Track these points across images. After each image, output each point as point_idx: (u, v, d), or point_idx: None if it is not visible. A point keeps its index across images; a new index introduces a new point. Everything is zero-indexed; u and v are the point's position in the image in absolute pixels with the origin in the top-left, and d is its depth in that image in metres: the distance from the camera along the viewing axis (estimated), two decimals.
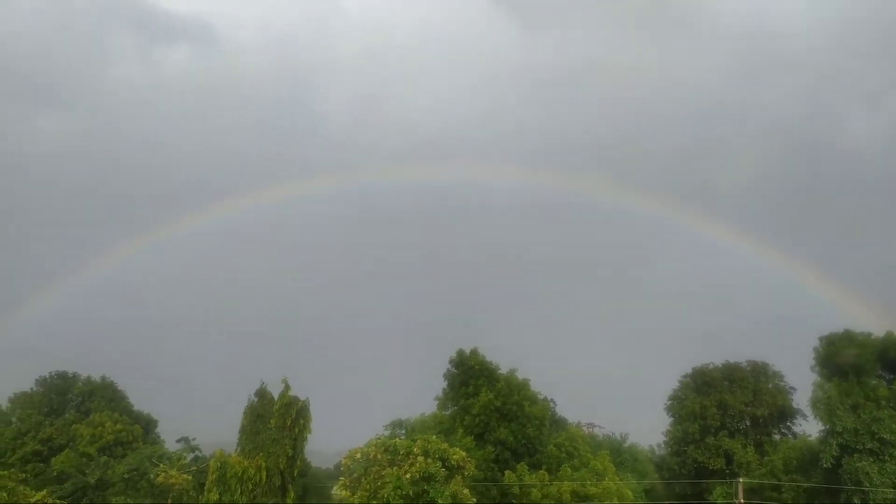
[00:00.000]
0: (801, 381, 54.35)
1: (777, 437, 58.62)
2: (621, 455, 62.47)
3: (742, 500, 38.11)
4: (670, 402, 61.39)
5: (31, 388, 65.82)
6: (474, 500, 35.97)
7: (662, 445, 66.17)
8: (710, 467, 56.30)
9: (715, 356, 62.93)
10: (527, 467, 43.46)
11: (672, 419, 61.44)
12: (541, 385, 53.13)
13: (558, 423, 55.98)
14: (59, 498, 26.24)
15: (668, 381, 63.19)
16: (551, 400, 57.22)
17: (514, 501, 42.45)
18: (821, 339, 49.68)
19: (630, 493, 44.21)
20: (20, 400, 64.87)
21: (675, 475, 58.69)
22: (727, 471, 54.89)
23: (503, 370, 50.84)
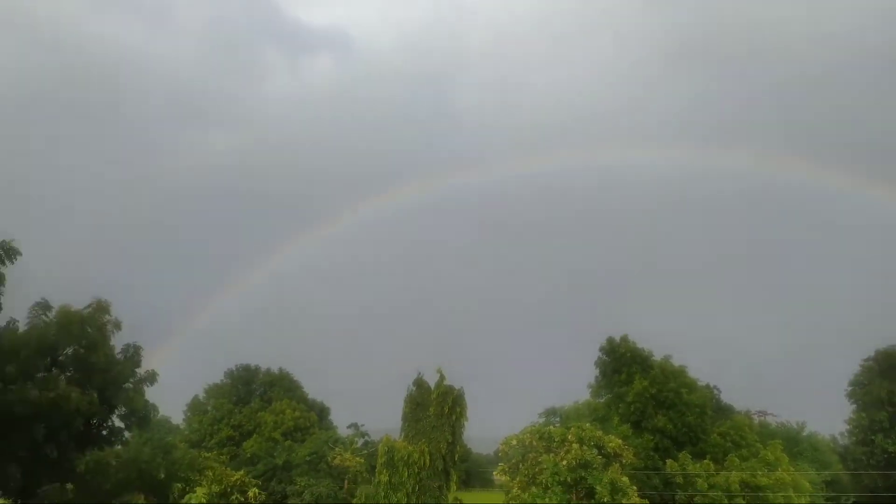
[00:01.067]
0: None
1: None
2: (799, 444, 58.06)
3: None
4: (852, 387, 56.24)
5: (221, 380, 74.10)
6: (634, 487, 35.51)
7: (846, 434, 60.78)
8: None
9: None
10: (689, 456, 41.99)
11: (855, 406, 56.27)
12: (703, 372, 51.04)
13: (724, 411, 53.33)
14: (254, 477, 29.64)
15: (847, 364, 57.98)
16: (714, 387, 54.71)
17: (678, 491, 41.26)
18: None
19: (808, 484, 41.27)
20: (213, 391, 73.28)
21: (862, 466, 53.77)
22: None
23: (657, 357, 49.38)
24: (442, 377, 36.61)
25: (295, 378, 72.42)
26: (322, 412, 70.46)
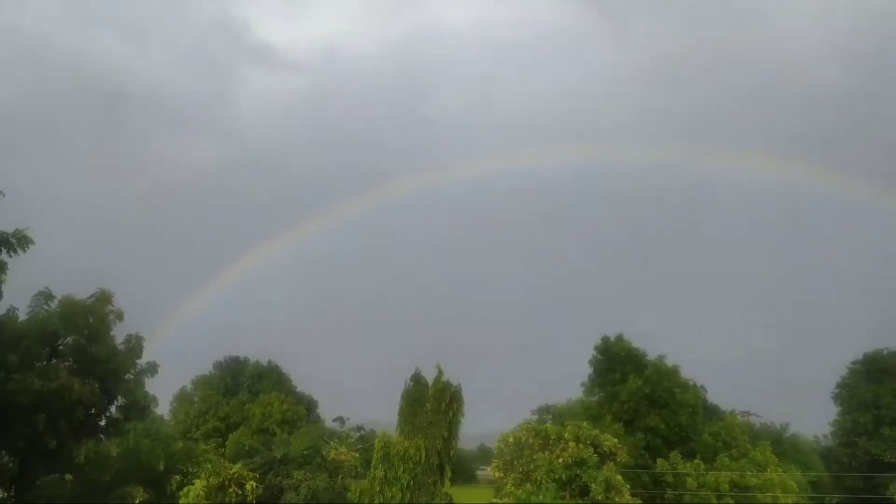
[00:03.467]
0: None
1: None
2: (782, 445, 59.00)
3: None
4: (838, 390, 57.22)
5: (210, 371, 73.54)
6: (627, 486, 35.89)
7: (829, 436, 61.86)
8: (886, 460, 51.99)
9: (890, 342, 57.72)
10: (680, 456, 42.45)
11: (840, 409, 57.28)
12: (690, 372, 51.52)
13: (710, 411, 53.97)
14: (250, 470, 29.46)
15: (832, 368, 59.06)
16: (701, 387, 55.32)
17: (668, 490, 41.70)
18: None
19: (795, 485, 41.91)
20: (201, 382, 72.68)
21: (846, 468, 54.72)
22: None
23: (650, 356, 49.83)
24: (440, 373, 36.58)
25: (283, 371, 72.18)
26: (310, 405, 70.23)
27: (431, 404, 36.95)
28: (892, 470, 50.56)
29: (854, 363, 57.10)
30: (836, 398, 57.40)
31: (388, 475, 34.74)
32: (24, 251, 19.83)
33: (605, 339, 50.50)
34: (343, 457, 34.21)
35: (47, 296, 24.41)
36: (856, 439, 54.65)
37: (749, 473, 39.37)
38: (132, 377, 26.05)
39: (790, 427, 66.07)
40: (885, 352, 56.10)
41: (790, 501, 39.78)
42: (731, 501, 37.91)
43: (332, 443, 35.55)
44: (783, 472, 42.36)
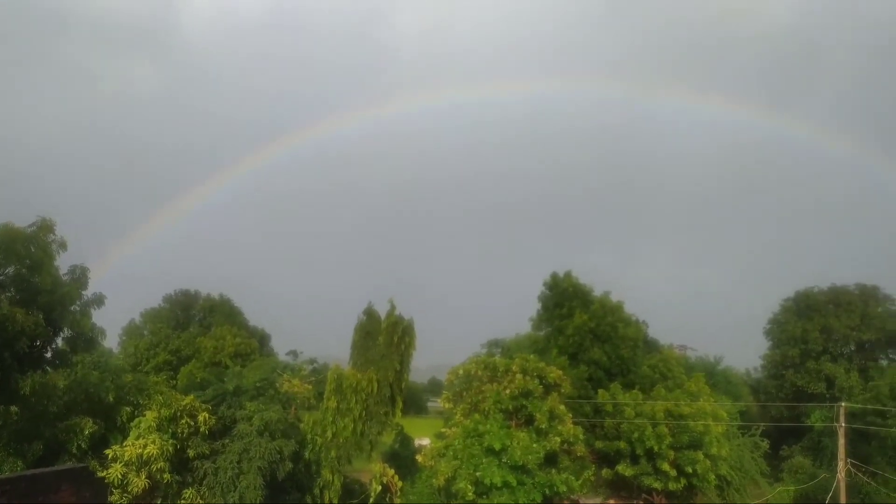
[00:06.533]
0: None
1: (885, 362, 56.87)
2: (714, 377, 62.38)
3: (843, 425, 37.73)
4: (770, 325, 60.40)
5: (160, 305, 72.57)
6: (570, 415, 37.59)
7: (759, 369, 65.70)
8: (810, 391, 55.65)
9: (822, 280, 61.17)
10: (620, 387, 44.52)
11: (770, 343, 60.64)
12: (633, 308, 53.48)
13: (650, 345, 56.39)
14: (203, 402, 29.62)
15: (766, 305, 62.31)
16: (643, 322, 57.52)
17: (607, 418, 43.86)
18: None
19: (725, 414, 44.58)
20: (150, 315, 71.76)
21: (772, 398, 58.43)
22: (827, 395, 54.12)
23: (597, 293, 51.41)
24: (393, 307, 37.13)
25: (235, 304, 71.83)
26: (263, 339, 70.44)
27: (384, 338, 37.61)
28: (814, 400, 54.22)
29: (786, 300, 60.26)
30: (768, 333, 60.68)
31: (341, 406, 35.54)
32: None
33: (554, 276, 51.82)
34: (296, 389, 34.59)
35: None
36: (783, 372, 58.15)
37: (683, 403, 41.61)
38: (78, 308, 25.63)
39: (723, 360, 69.88)
40: (816, 290, 59.27)
41: (720, 429, 42.29)
42: (665, 429, 40.09)
43: (285, 375, 35.88)
44: (714, 401, 44.93)
